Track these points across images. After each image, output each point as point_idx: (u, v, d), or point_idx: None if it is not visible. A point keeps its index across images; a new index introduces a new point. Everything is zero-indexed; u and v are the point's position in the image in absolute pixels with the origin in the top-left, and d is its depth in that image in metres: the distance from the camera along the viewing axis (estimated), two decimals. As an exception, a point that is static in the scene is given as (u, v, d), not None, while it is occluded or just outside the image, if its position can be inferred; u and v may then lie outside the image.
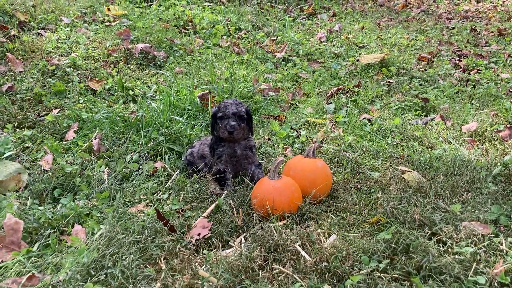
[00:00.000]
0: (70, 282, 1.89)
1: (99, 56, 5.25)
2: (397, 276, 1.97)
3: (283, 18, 7.97)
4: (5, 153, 3.09)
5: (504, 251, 2.08)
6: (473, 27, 7.49)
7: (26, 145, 3.35)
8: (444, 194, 2.63)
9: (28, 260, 2.12)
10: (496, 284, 1.87)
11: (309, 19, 8.24)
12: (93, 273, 1.94)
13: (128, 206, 2.64)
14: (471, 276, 1.92)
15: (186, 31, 6.57)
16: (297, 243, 2.18)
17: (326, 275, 1.99)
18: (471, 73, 5.32)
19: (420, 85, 4.95)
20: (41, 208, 2.59)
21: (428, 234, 2.22)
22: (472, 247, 2.08)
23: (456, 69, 5.45)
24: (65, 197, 2.68)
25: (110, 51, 5.35)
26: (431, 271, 1.97)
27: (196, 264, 2.07)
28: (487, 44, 6.61)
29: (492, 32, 7.26)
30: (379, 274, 1.98)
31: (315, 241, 2.21)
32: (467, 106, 4.14)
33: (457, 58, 5.86)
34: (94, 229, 2.34)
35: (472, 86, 4.85)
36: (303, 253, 2.11)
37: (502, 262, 1.98)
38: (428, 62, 5.75)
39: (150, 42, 5.66)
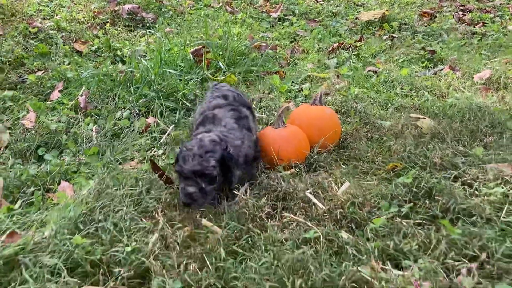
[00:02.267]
0: (56, 236, 1.67)
1: (84, 18, 4.94)
2: (420, 221, 1.77)
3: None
4: (-17, 112, 2.84)
5: (538, 191, 1.88)
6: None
7: (6, 105, 3.09)
8: (463, 139, 2.43)
9: (9, 218, 1.90)
10: (532, 224, 1.67)
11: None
12: (81, 228, 1.72)
13: (120, 163, 2.42)
14: (503, 217, 1.72)
15: (176, -8, 6.23)
16: (308, 191, 1.97)
17: (342, 221, 1.78)
18: (476, 26, 5.07)
19: (424, 39, 4.70)
20: (23, 167, 2.36)
21: (452, 176, 2.01)
22: (502, 188, 1.88)
23: (460, 24, 5.19)
24: (50, 153, 2.43)
25: (95, 13, 5.04)
26: (459, 214, 1.77)
27: (197, 216, 1.85)
28: (490, 0, 6.34)
29: (494, -13, 6.97)
30: (400, 220, 1.77)
31: (327, 189, 2.00)
32: (477, 56, 3.92)
33: (460, 13, 5.60)
34: (83, 185, 2.11)
35: (479, 39, 4.61)
36: (315, 200, 1.90)
37: (537, 202, 1.79)
38: (430, 17, 5.49)
39: (137, 3, 5.34)
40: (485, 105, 2.85)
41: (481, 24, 5.12)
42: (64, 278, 1.49)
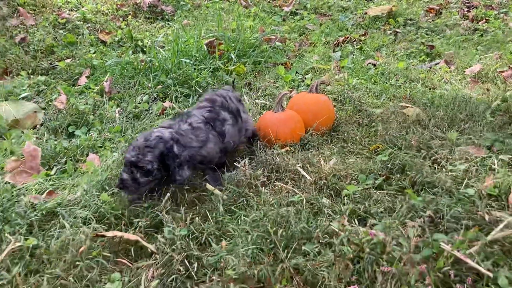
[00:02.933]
0: (86, 194, 2.04)
1: (108, 10, 5.32)
2: (392, 192, 2.09)
3: (291, -25, 7.88)
4: (21, 94, 3.23)
5: (495, 169, 2.18)
6: (484, -20, 7.34)
7: (40, 88, 3.48)
8: (442, 125, 2.72)
9: (47, 181, 2.28)
10: (484, 195, 1.98)
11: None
12: (107, 188, 2.09)
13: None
14: (461, 190, 2.03)
15: (194, -13, 6.57)
16: (298, 165, 2.30)
17: (324, 190, 2.11)
18: (479, 23, 5.28)
19: (427, 34, 4.94)
20: (56, 141, 2.74)
21: (423, 155, 2.32)
22: (465, 165, 2.18)
23: (464, 20, 5.41)
24: (80, 130, 2.82)
25: (118, 6, 5.41)
26: (424, 186, 2.08)
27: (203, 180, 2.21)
28: (498, -4, 6.51)
29: (504, -16, 7.12)
30: (374, 190, 2.10)
31: (315, 164, 2.33)
32: (473, 51, 4.16)
33: (465, 9, 5.80)
34: (107, 156, 2.48)
35: (479, 35, 4.84)
36: (303, 173, 2.24)
37: (492, 177, 2.08)
38: (436, 13, 5.71)
39: (158, -4, 5.69)
40: (469, 96, 3.13)
41: (484, 20, 5.32)
42: (93, 225, 1.85)
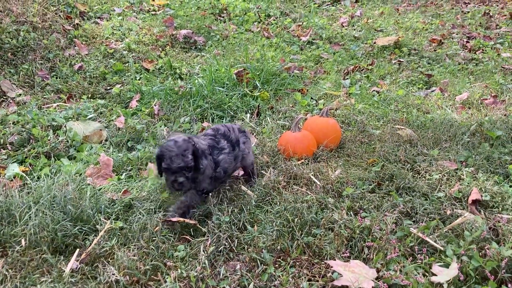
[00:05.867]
0: (151, 193, 2.77)
1: (148, 41, 6.13)
2: (382, 195, 2.76)
3: (308, 5, 8.66)
4: (88, 115, 4.00)
5: (463, 178, 2.83)
6: (486, 11, 7.99)
7: (100, 110, 4.26)
8: (428, 144, 3.38)
9: (120, 184, 3.01)
10: (451, 197, 2.63)
11: (333, 6, 8.89)
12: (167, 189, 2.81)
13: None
14: (434, 193, 2.69)
15: (221, 18, 7.38)
16: (311, 173, 2.99)
17: (330, 192, 2.79)
18: (476, 53, 5.92)
19: (428, 63, 5.61)
20: (120, 154, 3.49)
21: (408, 168, 2.99)
22: (439, 175, 2.84)
23: (463, 50, 6.06)
24: (140, 145, 3.56)
25: (157, 37, 6.22)
26: (406, 190, 2.75)
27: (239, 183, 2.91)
28: (498, 27, 7.15)
29: (504, 15, 7.76)
30: (368, 193, 2.77)
31: (324, 173, 3.01)
32: (464, 80, 4.81)
33: (465, 40, 6.45)
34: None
35: (475, 64, 5.48)
36: (314, 179, 2.92)
37: (458, 184, 2.74)
38: (438, 43, 6.37)
39: (191, 28, 6.51)
40: (454, 120, 3.79)
41: (481, 50, 5.97)
42: (161, 214, 2.56)
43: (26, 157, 3.28)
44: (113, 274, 2.08)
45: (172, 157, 2.42)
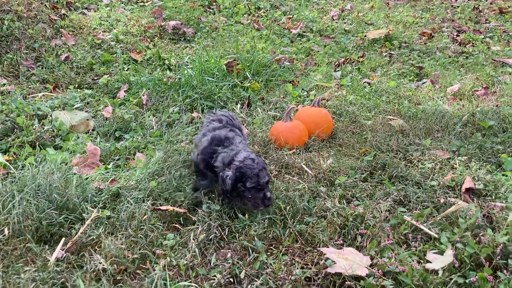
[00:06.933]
0: (140, 183, 2.70)
1: (137, 32, 6.03)
2: (375, 184, 2.72)
3: (299, -1, 8.61)
4: (75, 104, 3.91)
5: (456, 167, 2.81)
6: (476, 6, 8.02)
7: (87, 100, 4.16)
8: (420, 134, 3.36)
9: (107, 173, 2.93)
10: (445, 186, 2.61)
11: (323, -1, 8.85)
12: (156, 177, 2.75)
13: (175, 143, 3.43)
14: (427, 182, 2.66)
15: (211, 10, 7.29)
16: (302, 163, 2.94)
17: (322, 181, 2.75)
18: (466, 46, 5.93)
19: (419, 56, 5.60)
20: (107, 144, 3.41)
21: (401, 157, 2.96)
22: (431, 164, 2.82)
23: (453, 43, 6.06)
24: (128, 134, 3.49)
25: (146, 28, 6.12)
26: (399, 179, 2.72)
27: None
28: (487, 21, 7.17)
29: (493, 10, 7.79)
30: (360, 182, 2.73)
31: (316, 162, 2.97)
32: (455, 72, 4.81)
33: (455, 34, 6.46)
34: (152, 155, 3.14)
35: (465, 57, 5.48)
36: (306, 168, 2.88)
37: (451, 173, 2.72)
38: (428, 37, 6.37)
39: (180, 20, 6.41)
40: (446, 110, 3.77)
41: (471, 44, 5.97)
42: (150, 203, 2.50)
43: (10, 146, 3.19)
44: (100, 263, 2.02)
45: (258, 173, 2.34)
